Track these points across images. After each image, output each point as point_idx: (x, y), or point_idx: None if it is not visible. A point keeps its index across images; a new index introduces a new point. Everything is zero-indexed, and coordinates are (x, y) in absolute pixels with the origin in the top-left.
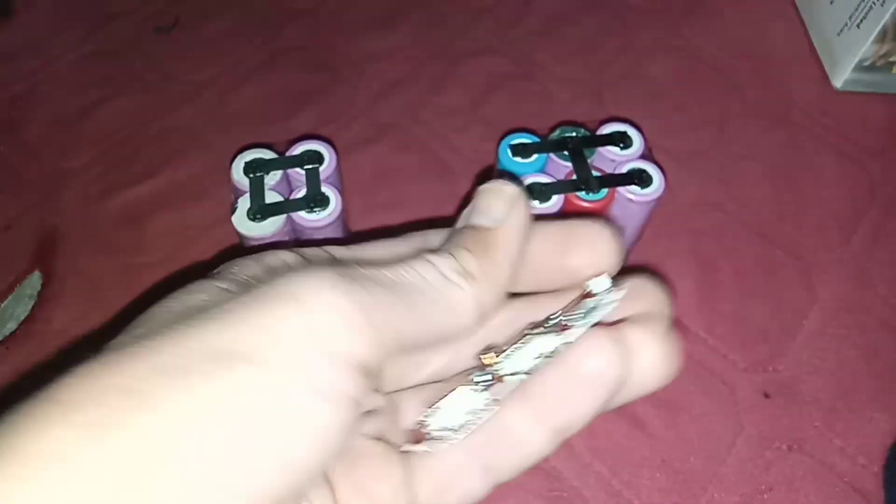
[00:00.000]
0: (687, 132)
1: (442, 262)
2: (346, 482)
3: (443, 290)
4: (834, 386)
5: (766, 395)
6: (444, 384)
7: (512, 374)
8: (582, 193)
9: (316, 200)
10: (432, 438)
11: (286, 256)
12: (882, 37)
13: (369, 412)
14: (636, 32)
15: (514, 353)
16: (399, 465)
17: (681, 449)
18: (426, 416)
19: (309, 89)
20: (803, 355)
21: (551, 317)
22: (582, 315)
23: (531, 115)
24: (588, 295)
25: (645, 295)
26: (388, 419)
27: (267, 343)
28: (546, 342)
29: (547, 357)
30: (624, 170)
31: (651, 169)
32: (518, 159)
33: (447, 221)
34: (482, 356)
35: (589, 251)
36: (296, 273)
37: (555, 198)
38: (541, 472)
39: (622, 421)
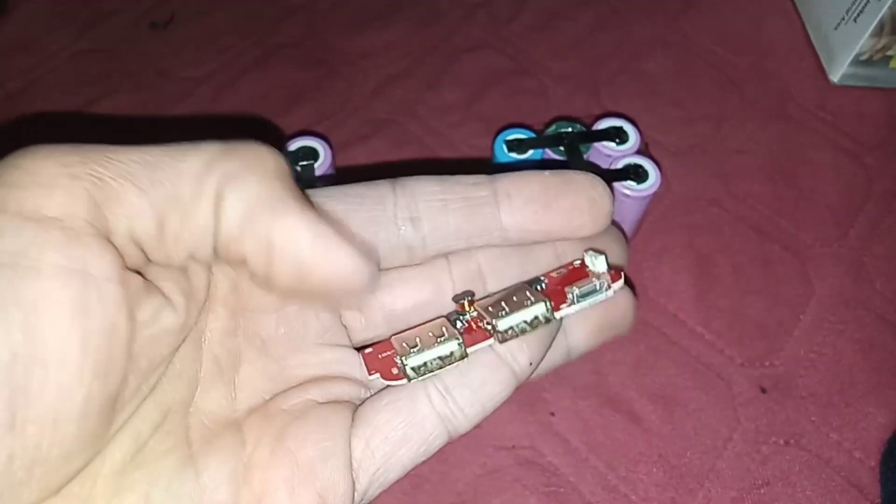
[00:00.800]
0: (683, 127)
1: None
2: (270, 445)
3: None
4: (831, 380)
5: (763, 390)
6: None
7: (487, 325)
8: None
9: None
10: (409, 376)
11: None
12: (879, 31)
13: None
14: (632, 27)
15: (490, 305)
16: (337, 426)
17: (677, 444)
18: (404, 355)
19: (304, 86)
20: (800, 350)
21: (540, 278)
22: (577, 296)
23: (527, 111)
24: (582, 267)
25: (619, 238)
26: (351, 383)
27: None
28: (529, 311)
29: (528, 324)
30: (620, 165)
31: (647, 164)
32: (514, 155)
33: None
34: (459, 301)
35: (586, 192)
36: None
37: None
38: (537, 468)
39: (619, 416)
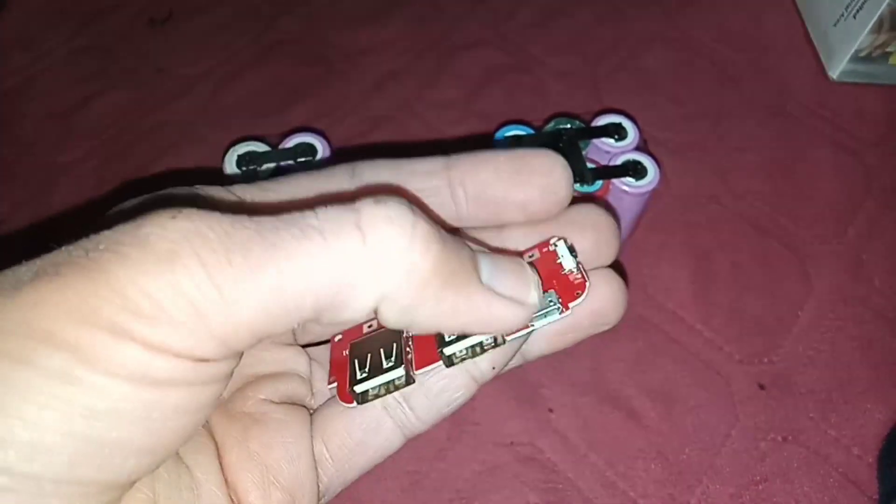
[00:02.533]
0: (682, 124)
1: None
2: (237, 448)
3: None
4: (829, 377)
5: (762, 387)
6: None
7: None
8: (576, 185)
9: None
10: (362, 400)
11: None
12: (878, 27)
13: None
14: (631, 24)
15: None
16: (299, 429)
17: (676, 440)
18: (359, 379)
19: (303, 82)
20: (799, 347)
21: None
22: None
23: (526, 108)
24: (553, 254)
25: (596, 225)
26: (300, 381)
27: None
28: (475, 337)
29: (475, 348)
30: (619, 162)
31: (646, 161)
32: None
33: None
34: None
35: (541, 181)
36: (117, 254)
37: None
38: (536, 464)
39: (618, 413)
